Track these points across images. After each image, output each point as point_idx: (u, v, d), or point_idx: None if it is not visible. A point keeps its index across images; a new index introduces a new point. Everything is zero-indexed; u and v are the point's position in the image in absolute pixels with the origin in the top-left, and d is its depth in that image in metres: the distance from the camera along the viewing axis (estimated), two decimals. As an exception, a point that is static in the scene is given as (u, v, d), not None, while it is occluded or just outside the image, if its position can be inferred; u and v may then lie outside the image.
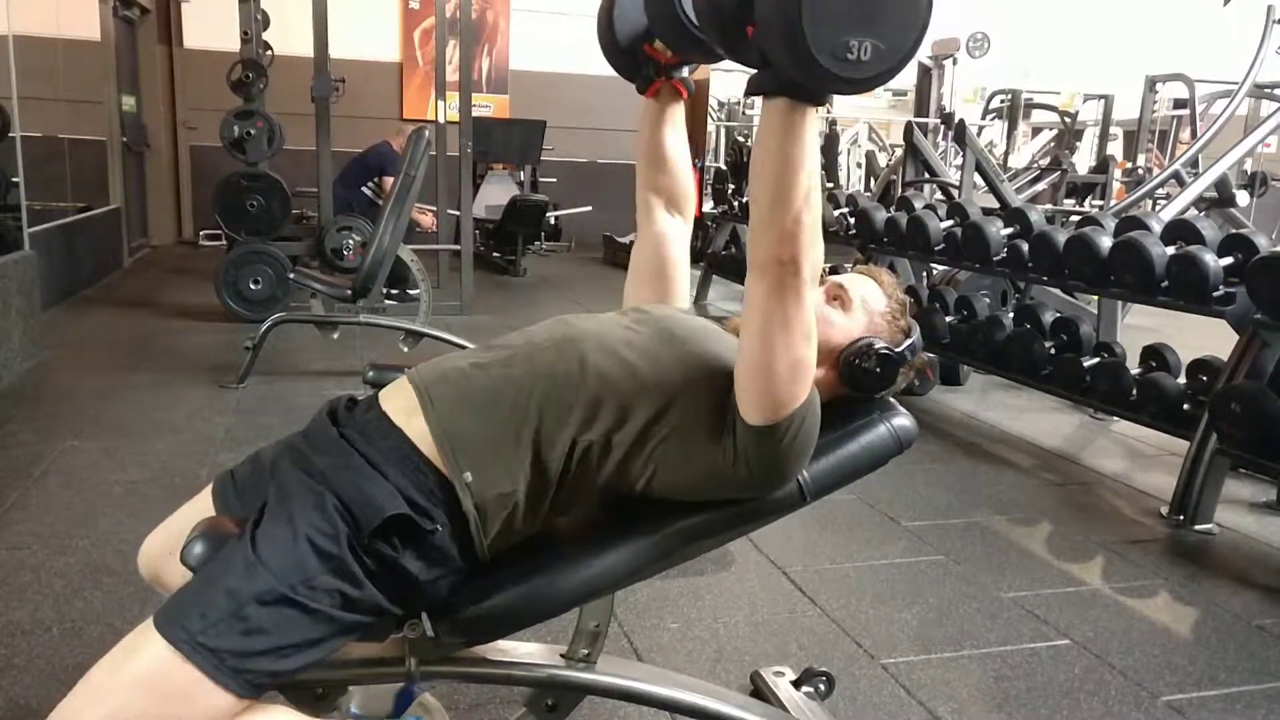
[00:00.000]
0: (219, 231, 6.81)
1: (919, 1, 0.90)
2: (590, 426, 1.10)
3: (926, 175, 5.37)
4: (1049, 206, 6.57)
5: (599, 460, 1.11)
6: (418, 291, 4.50)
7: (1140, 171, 7.53)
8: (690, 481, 1.14)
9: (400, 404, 1.15)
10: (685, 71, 1.30)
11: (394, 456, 1.08)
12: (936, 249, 3.91)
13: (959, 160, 5.95)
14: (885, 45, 0.89)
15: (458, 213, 5.79)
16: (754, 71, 0.97)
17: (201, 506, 1.23)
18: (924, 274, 4.59)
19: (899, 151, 7.13)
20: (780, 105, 0.94)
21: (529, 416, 1.10)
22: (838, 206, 4.87)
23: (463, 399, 1.12)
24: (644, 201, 1.38)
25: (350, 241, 4.68)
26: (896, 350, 1.23)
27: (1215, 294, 2.79)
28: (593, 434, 1.10)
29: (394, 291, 4.40)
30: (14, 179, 4.11)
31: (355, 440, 1.10)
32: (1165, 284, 2.92)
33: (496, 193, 7.90)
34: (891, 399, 1.30)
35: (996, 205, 4.53)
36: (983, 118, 8.73)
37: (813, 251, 1.03)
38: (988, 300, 4.10)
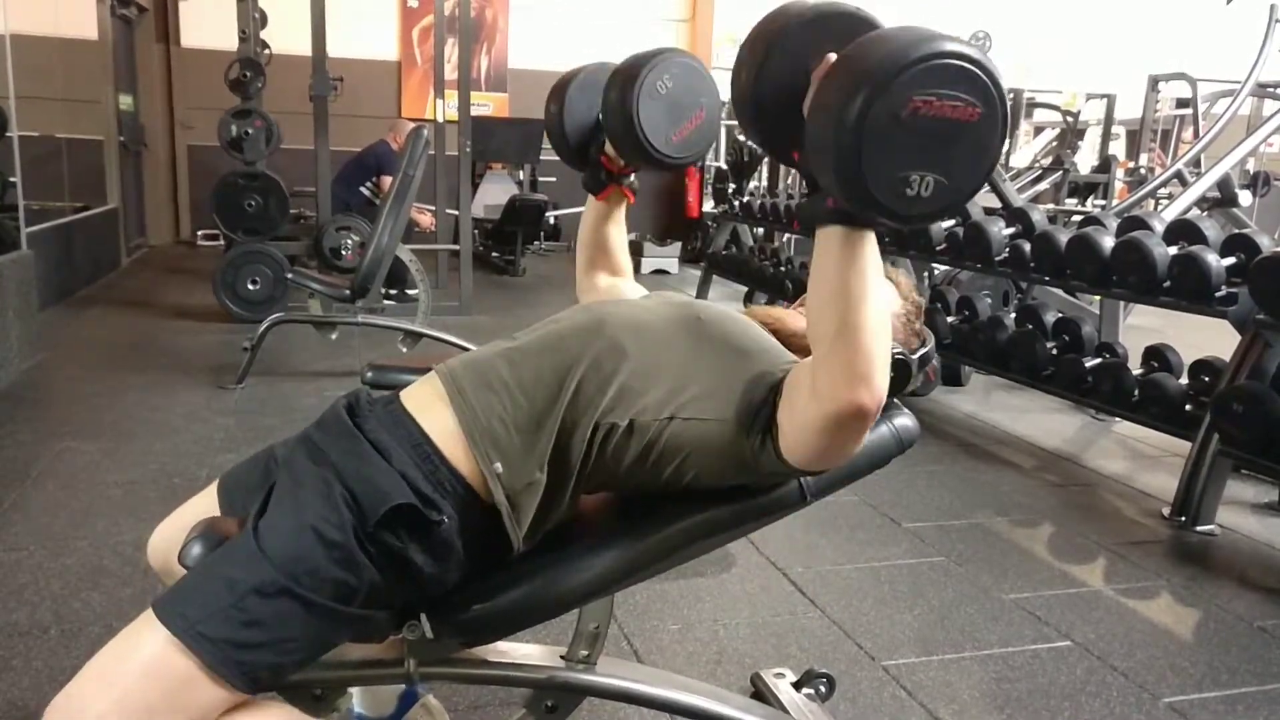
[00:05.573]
0: (217, 231, 6.80)
1: (990, 140, 0.82)
2: (615, 409, 1.09)
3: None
4: (1051, 206, 6.57)
5: (620, 444, 1.10)
6: (416, 291, 4.49)
7: (1142, 171, 7.53)
8: (714, 468, 1.11)
9: (422, 396, 1.14)
10: (633, 177, 1.38)
11: (405, 446, 1.07)
12: (938, 249, 3.90)
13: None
14: (949, 181, 0.81)
15: (456, 212, 5.78)
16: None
17: (211, 500, 1.23)
18: (926, 274, 4.58)
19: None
20: (835, 233, 0.88)
21: (557, 403, 1.09)
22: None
23: (490, 387, 1.11)
24: (584, 275, 1.46)
25: (349, 241, 4.67)
26: (912, 355, 1.22)
27: (1217, 294, 2.78)
28: (616, 416, 1.09)
29: (393, 291, 4.39)
30: (11, 179, 4.10)
31: (367, 429, 1.10)
32: (1167, 284, 2.91)
33: (495, 192, 7.89)
34: (894, 399, 1.29)
35: (998, 205, 4.52)
36: (983, 117, 8.70)
37: (887, 373, 0.94)
38: (989, 300, 4.09)
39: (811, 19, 0.90)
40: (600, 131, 1.32)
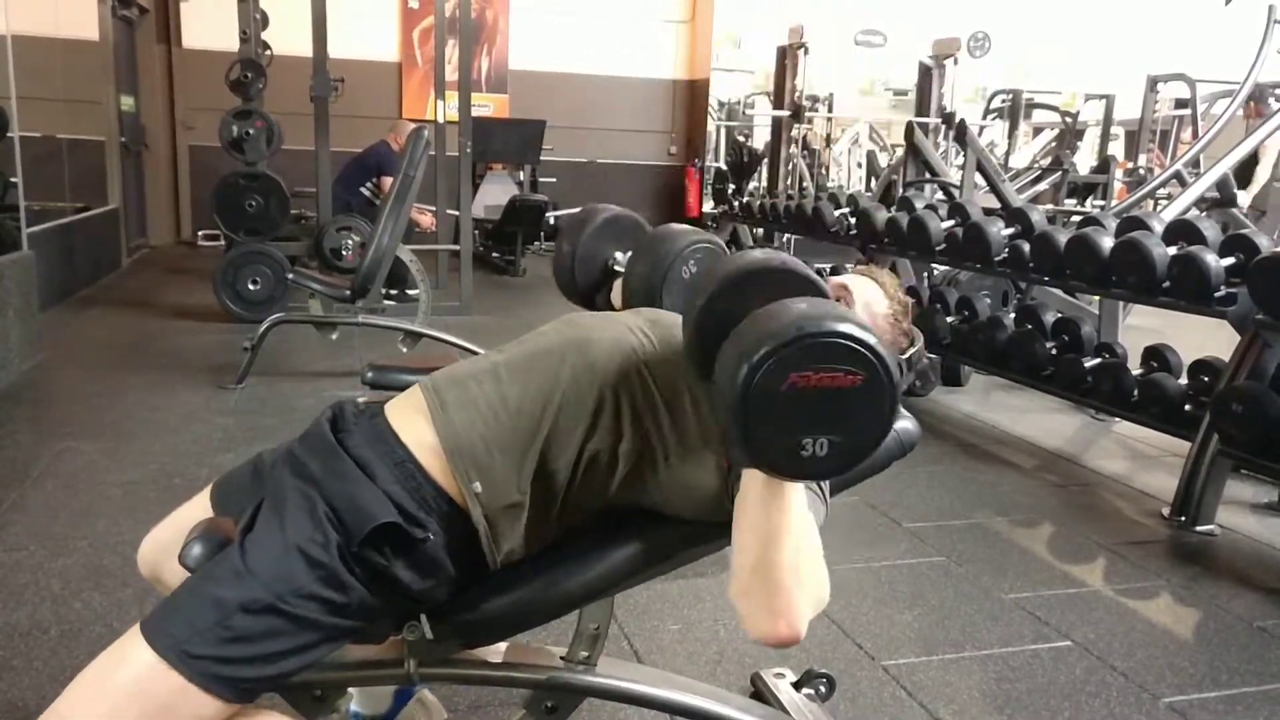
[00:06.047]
0: (217, 232, 6.79)
1: (877, 399, 0.86)
2: (596, 434, 1.08)
3: (927, 175, 5.37)
4: (1050, 206, 6.57)
5: (605, 472, 1.10)
6: (417, 292, 4.49)
7: (1141, 171, 7.53)
8: (698, 507, 1.12)
9: (405, 410, 1.13)
10: None
11: (388, 462, 1.07)
12: (937, 249, 3.90)
13: (960, 160, 5.95)
14: (844, 440, 0.86)
15: (457, 213, 5.79)
16: None
17: (200, 507, 1.22)
18: (925, 274, 4.58)
19: (900, 151, 7.13)
20: (757, 475, 0.92)
21: (540, 423, 1.08)
22: (839, 206, 4.86)
23: (473, 404, 1.10)
24: None
25: (349, 242, 4.66)
26: (900, 356, 1.22)
27: (1217, 294, 2.78)
28: (598, 443, 1.09)
29: (393, 292, 4.39)
30: (12, 179, 4.10)
31: (351, 446, 1.09)
32: (1167, 284, 2.91)
33: (496, 193, 7.89)
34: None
35: (998, 205, 4.52)
36: (984, 117, 8.72)
37: (815, 602, 0.97)
38: (989, 301, 4.09)
39: (752, 272, 0.98)
40: (608, 279, 1.38)
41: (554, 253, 1.45)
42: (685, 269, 1.29)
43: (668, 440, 1.09)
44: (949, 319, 4.00)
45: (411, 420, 1.11)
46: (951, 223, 3.89)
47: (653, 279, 1.28)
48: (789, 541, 0.92)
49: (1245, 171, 6.15)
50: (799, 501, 0.93)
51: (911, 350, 1.26)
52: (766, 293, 0.94)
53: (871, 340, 0.85)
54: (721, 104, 9.49)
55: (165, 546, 1.19)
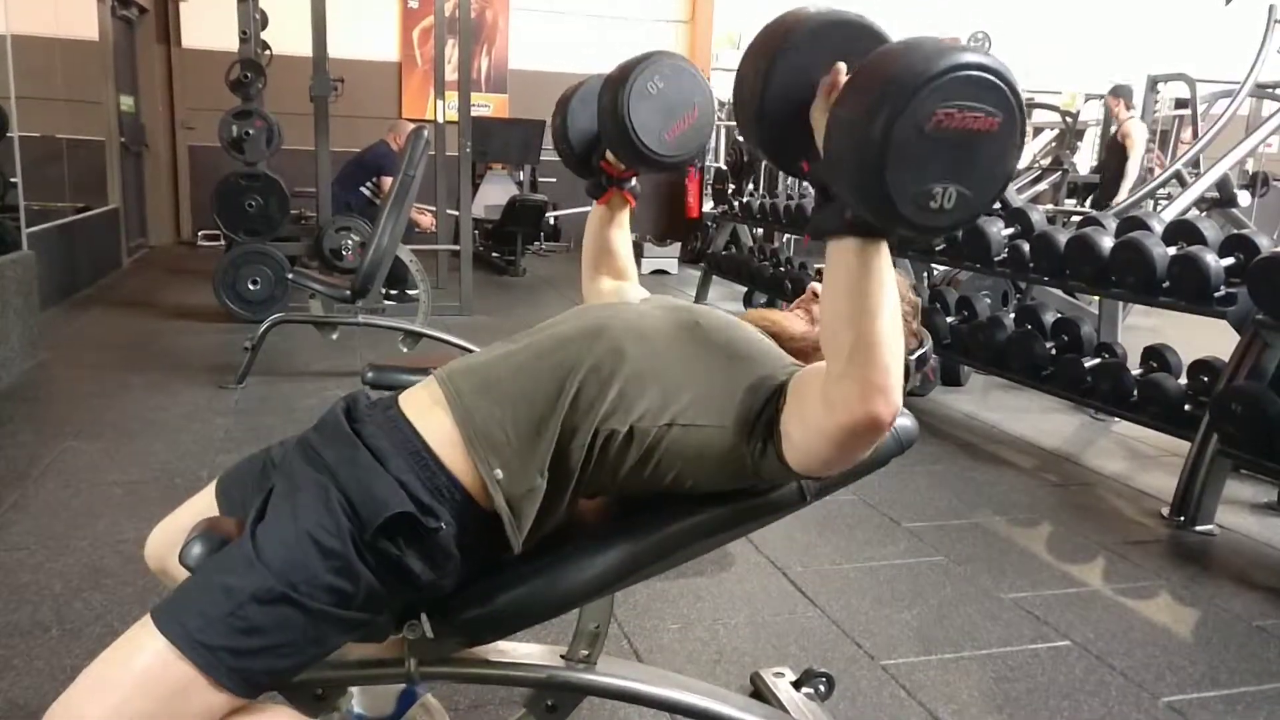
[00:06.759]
0: (217, 232, 6.80)
1: (1009, 148, 0.81)
2: (614, 414, 1.09)
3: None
4: (1050, 206, 6.57)
5: (620, 450, 1.10)
6: (417, 292, 4.50)
7: (1141, 171, 7.53)
8: (712, 475, 1.12)
9: (421, 401, 1.14)
10: (634, 181, 1.41)
11: (403, 452, 1.07)
12: (937, 249, 3.91)
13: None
14: (970, 191, 0.80)
15: (457, 213, 5.79)
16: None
17: (206, 502, 1.23)
18: (925, 274, 4.59)
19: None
20: (850, 245, 0.87)
21: (557, 407, 1.09)
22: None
23: (489, 391, 1.11)
24: (589, 279, 1.50)
25: (349, 242, 4.67)
26: (909, 356, 1.22)
27: (1216, 294, 2.79)
28: (615, 422, 1.09)
29: (393, 292, 4.40)
30: (12, 179, 4.10)
31: (366, 435, 1.09)
32: (1166, 284, 2.91)
33: (495, 193, 7.90)
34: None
35: (997, 205, 4.52)
36: (983, 117, 8.71)
37: (899, 383, 0.93)
38: (988, 300, 4.10)
39: (818, 28, 0.90)
40: (601, 140, 1.35)
41: (549, 128, 1.44)
42: (651, 83, 1.22)
43: (681, 412, 1.09)
44: (949, 319, 4.00)
45: (428, 411, 1.11)
46: (951, 222, 3.89)
47: (618, 101, 1.21)
48: (886, 315, 0.89)
49: (1116, 167, 6.09)
50: (891, 272, 0.90)
51: (920, 350, 1.26)
52: (853, 48, 0.86)
53: (1014, 80, 0.80)
54: (721, 104, 9.50)
55: (172, 540, 1.19)
